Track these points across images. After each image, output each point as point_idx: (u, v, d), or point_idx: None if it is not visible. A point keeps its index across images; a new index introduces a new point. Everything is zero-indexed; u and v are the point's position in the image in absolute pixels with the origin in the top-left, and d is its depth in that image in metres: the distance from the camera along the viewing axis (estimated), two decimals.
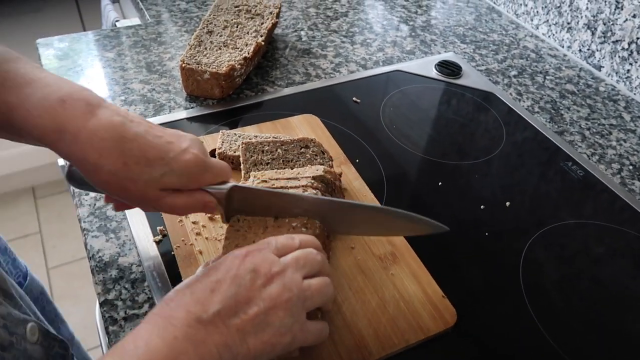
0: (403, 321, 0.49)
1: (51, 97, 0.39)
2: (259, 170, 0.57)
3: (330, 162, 0.60)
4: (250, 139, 0.61)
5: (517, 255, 0.59)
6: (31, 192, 1.95)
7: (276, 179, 0.53)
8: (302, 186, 0.51)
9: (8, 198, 1.89)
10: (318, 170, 0.54)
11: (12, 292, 0.46)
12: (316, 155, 0.60)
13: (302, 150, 0.60)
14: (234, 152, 0.61)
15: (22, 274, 0.67)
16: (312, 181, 0.52)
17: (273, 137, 0.62)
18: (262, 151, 0.59)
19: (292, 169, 0.56)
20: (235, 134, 0.63)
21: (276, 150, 0.59)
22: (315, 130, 0.69)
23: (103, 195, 0.54)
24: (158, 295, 0.50)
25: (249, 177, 0.55)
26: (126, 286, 0.52)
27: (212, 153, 0.63)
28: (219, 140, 0.62)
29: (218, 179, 0.46)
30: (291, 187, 0.51)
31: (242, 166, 0.58)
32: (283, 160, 0.59)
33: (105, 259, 0.54)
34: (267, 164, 0.58)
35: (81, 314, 1.61)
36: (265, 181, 0.53)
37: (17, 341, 0.41)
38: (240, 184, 0.49)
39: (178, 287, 0.38)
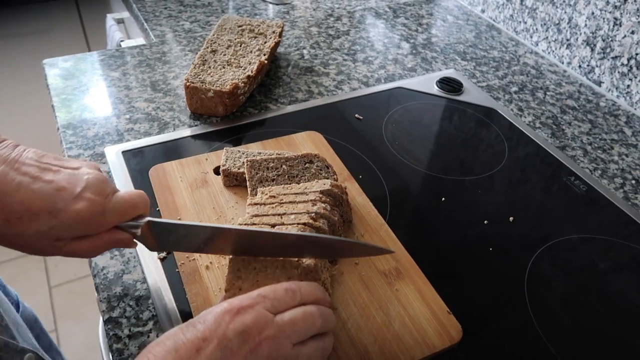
0: (408, 337, 0.49)
1: None
2: (265, 187, 0.57)
3: (334, 176, 0.60)
4: (254, 156, 0.62)
5: (522, 271, 0.59)
6: None
7: (284, 194, 0.53)
8: (311, 200, 0.51)
9: None
10: (325, 184, 0.55)
11: (7, 321, 0.44)
12: (320, 169, 0.60)
13: (307, 165, 0.60)
14: (238, 168, 0.61)
15: (14, 302, 0.65)
16: (320, 195, 0.52)
17: (277, 154, 0.63)
18: (267, 168, 0.59)
19: (297, 184, 0.57)
20: (239, 151, 0.64)
21: (281, 166, 0.60)
22: (319, 147, 0.70)
23: None
24: (162, 313, 0.50)
25: (256, 193, 0.55)
26: (130, 304, 0.52)
27: (217, 170, 0.64)
28: (223, 157, 0.63)
29: (126, 217, 0.42)
30: (300, 202, 0.51)
31: (248, 184, 0.58)
32: (288, 176, 0.59)
33: (110, 277, 0.54)
34: (273, 180, 0.58)
35: (83, 332, 1.60)
36: (274, 196, 0.53)
37: None
38: (155, 219, 0.44)
39: (163, 337, 0.36)
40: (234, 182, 0.62)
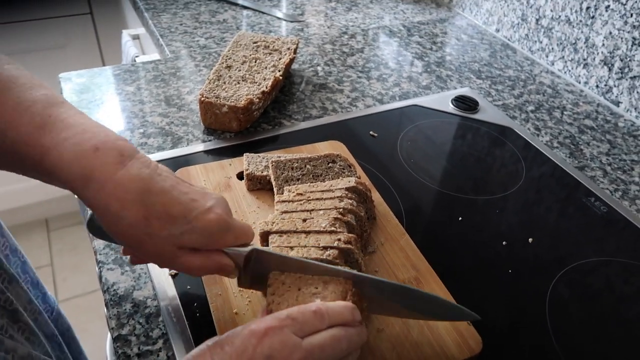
0: (427, 347, 0.48)
1: (85, 144, 0.39)
2: (291, 186, 0.58)
3: (357, 175, 0.62)
4: (279, 157, 0.63)
5: (543, 293, 0.57)
6: (44, 224, 1.95)
7: (311, 192, 0.55)
8: (337, 197, 0.53)
9: (21, 230, 1.90)
10: (350, 182, 0.56)
11: (40, 336, 0.44)
12: (343, 169, 0.62)
13: (330, 165, 0.62)
14: (262, 172, 0.62)
15: (51, 309, 0.66)
16: (346, 192, 0.54)
17: (299, 156, 0.64)
18: (292, 168, 0.61)
19: (322, 182, 0.58)
20: (259, 156, 0.65)
21: (305, 166, 0.61)
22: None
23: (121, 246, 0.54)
24: (172, 331, 0.49)
25: (283, 192, 0.57)
26: (140, 321, 0.50)
27: (240, 175, 0.65)
28: (244, 162, 0.64)
29: (239, 240, 0.44)
30: (327, 199, 0.53)
31: (274, 183, 0.59)
32: (313, 175, 0.61)
33: (120, 293, 0.53)
34: (298, 179, 0.60)
35: (89, 348, 1.58)
36: (301, 194, 0.54)
37: None
38: (261, 247, 0.45)
39: (190, 357, 0.36)
40: (258, 185, 0.63)
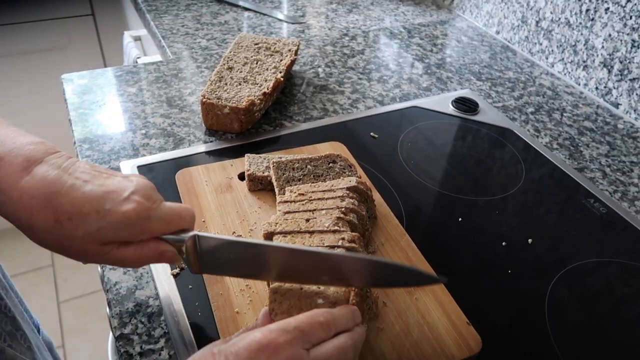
0: (427, 346, 0.48)
1: None
2: (293, 186, 0.58)
3: (358, 175, 0.62)
4: (279, 158, 0.63)
5: (542, 294, 0.57)
6: None
7: (312, 192, 0.55)
8: (339, 197, 0.53)
9: None
10: (351, 181, 0.56)
11: (31, 343, 0.44)
12: (344, 169, 0.62)
13: (330, 165, 0.63)
14: (263, 172, 0.63)
15: (36, 327, 0.65)
16: (347, 192, 0.54)
17: (300, 156, 0.64)
18: (293, 168, 0.61)
19: (323, 182, 0.59)
20: (260, 156, 0.65)
21: (306, 166, 0.62)
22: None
23: None
24: (174, 331, 0.49)
25: (284, 193, 0.57)
26: (142, 320, 0.51)
27: (241, 176, 0.65)
28: (245, 162, 0.64)
29: (173, 226, 0.42)
30: (328, 198, 0.53)
31: (275, 184, 0.60)
32: (314, 176, 0.61)
33: (122, 292, 0.53)
34: (299, 180, 0.60)
35: (90, 348, 1.59)
36: (303, 194, 0.55)
37: None
38: (202, 233, 0.43)
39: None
40: (259, 186, 0.63)
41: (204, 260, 0.44)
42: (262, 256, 0.43)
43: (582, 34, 0.94)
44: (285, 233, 0.50)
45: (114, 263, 0.41)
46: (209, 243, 0.43)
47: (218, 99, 0.74)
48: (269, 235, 0.50)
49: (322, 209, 0.52)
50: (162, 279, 0.54)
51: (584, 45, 0.94)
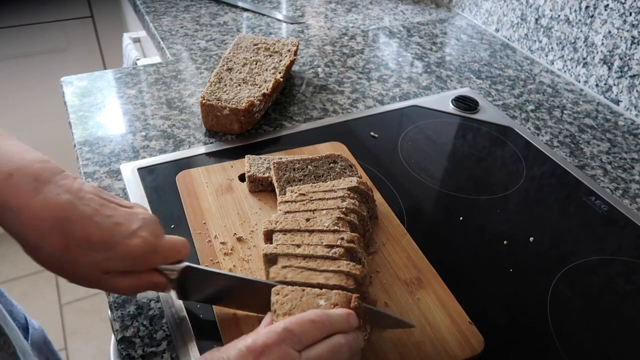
0: (429, 346, 0.48)
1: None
2: (294, 187, 0.58)
3: (358, 175, 0.62)
4: (280, 158, 0.63)
5: (543, 293, 0.57)
6: None
7: (313, 192, 0.55)
8: (340, 197, 0.53)
9: None
10: (352, 181, 0.56)
11: (15, 349, 0.44)
12: (345, 169, 0.62)
13: (331, 165, 0.63)
14: (263, 174, 0.63)
15: (22, 326, 0.64)
16: (348, 192, 0.55)
17: (300, 157, 0.64)
18: (294, 169, 0.61)
19: (324, 182, 0.59)
20: (260, 157, 0.65)
21: (306, 167, 0.62)
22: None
23: None
24: (176, 333, 0.49)
25: (285, 193, 0.57)
26: (144, 323, 0.51)
27: (242, 177, 0.65)
28: (246, 164, 0.64)
29: (170, 260, 0.44)
30: (329, 199, 0.53)
31: (276, 184, 0.60)
32: (314, 176, 0.61)
33: (124, 295, 0.53)
34: (300, 180, 0.60)
35: (92, 351, 1.59)
36: (304, 194, 0.55)
37: None
38: (193, 265, 0.46)
39: None
40: (259, 187, 0.63)
41: (194, 288, 0.46)
42: (248, 289, 0.45)
43: (581, 31, 0.94)
44: (285, 231, 0.50)
45: (110, 290, 0.43)
46: (198, 274, 0.46)
47: (218, 100, 0.74)
48: (268, 233, 0.51)
49: (323, 209, 0.52)
50: None
51: (584, 42, 0.94)
